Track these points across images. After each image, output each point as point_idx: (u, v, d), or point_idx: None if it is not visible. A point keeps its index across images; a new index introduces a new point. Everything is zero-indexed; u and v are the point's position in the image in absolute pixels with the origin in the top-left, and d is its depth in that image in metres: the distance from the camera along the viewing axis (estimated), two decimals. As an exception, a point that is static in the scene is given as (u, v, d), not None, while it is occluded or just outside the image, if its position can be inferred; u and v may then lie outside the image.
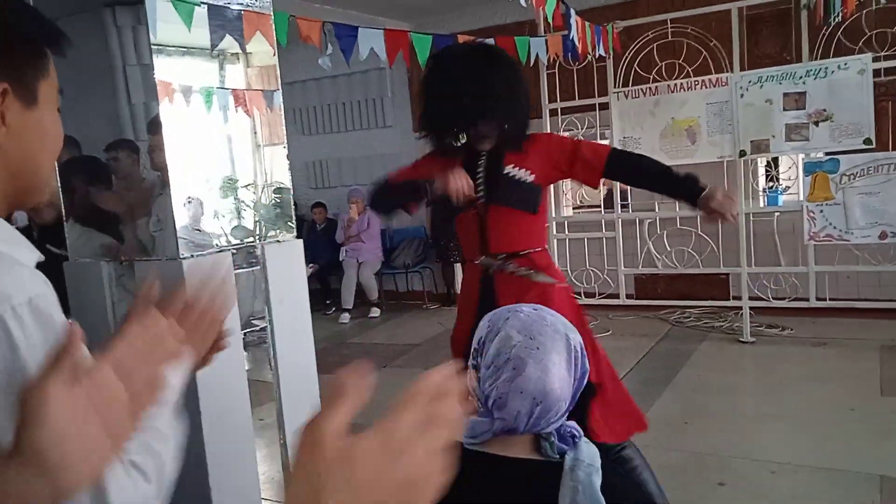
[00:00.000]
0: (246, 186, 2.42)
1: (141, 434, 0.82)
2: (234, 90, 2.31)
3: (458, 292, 2.69)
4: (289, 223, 2.48)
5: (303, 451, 0.49)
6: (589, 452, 1.15)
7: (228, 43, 2.27)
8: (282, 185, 2.52)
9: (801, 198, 5.04)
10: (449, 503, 1.16)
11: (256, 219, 2.40)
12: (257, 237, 2.37)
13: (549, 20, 3.86)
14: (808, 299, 5.24)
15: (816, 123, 4.80)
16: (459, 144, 2.54)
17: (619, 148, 2.49)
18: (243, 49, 2.32)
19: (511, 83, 2.41)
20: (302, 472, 0.49)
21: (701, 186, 2.37)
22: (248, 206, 2.39)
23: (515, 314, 1.19)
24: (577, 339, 1.19)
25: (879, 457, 3.18)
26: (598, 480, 1.10)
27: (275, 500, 2.41)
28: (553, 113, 5.83)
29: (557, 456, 1.15)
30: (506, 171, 2.44)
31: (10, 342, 0.78)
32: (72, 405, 0.64)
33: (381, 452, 0.50)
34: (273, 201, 2.50)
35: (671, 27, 5.46)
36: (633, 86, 5.52)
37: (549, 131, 5.75)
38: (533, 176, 2.44)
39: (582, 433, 1.19)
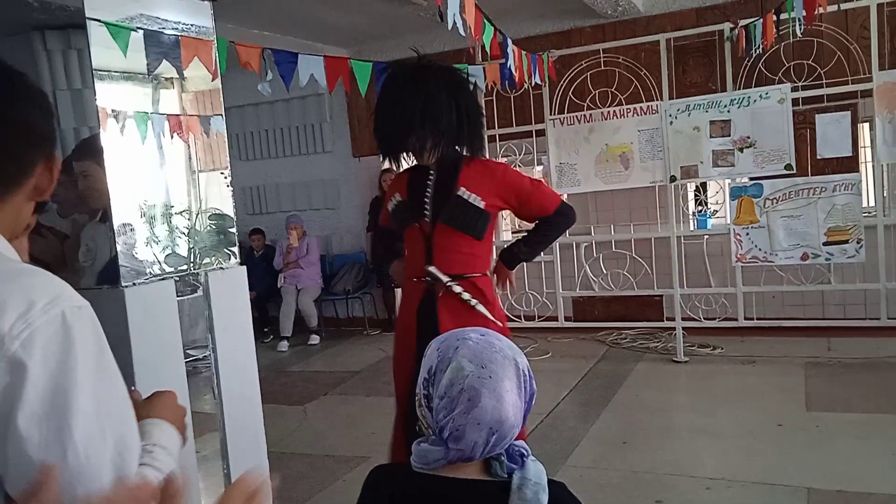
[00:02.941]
0: (181, 213, 2.37)
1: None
2: (169, 116, 2.28)
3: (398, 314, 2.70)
4: (227, 250, 2.45)
5: None
6: (536, 470, 1.16)
7: (164, 68, 2.25)
8: (219, 212, 2.48)
9: (728, 221, 5.24)
10: None
11: (191, 246, 2.36)
12: (192, 265, 2.32)
13: (487, 49, 3.94)
14: (737, 319, 5.43)
15: (741, 150, 5.02)
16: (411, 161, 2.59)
17: (567, 204, 2.63)
18: (181, 74, 2.30)
19: (448, 97, 2.44)
20: None
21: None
22: (182, 233, 2.35)
23: (464, 342, 1.18)
24: (524, 362, 1.21)
25: (806, 470, 3.31)
26: (545, 498, 1.12)
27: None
28: (491, 139, 5.93)
29: (506, 475, 1.16)
30: (458, 193, 2.44)
31: (67, 338, 0.80)
32: None
33: None
34: (208, 228, 2.46)
35: (603, 56, 5.65)
36: (568, 113, 5.67)
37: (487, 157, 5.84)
38: (484, 202, 2.45)
39: (529, 451, 1.21)
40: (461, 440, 1.13)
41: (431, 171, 2.51)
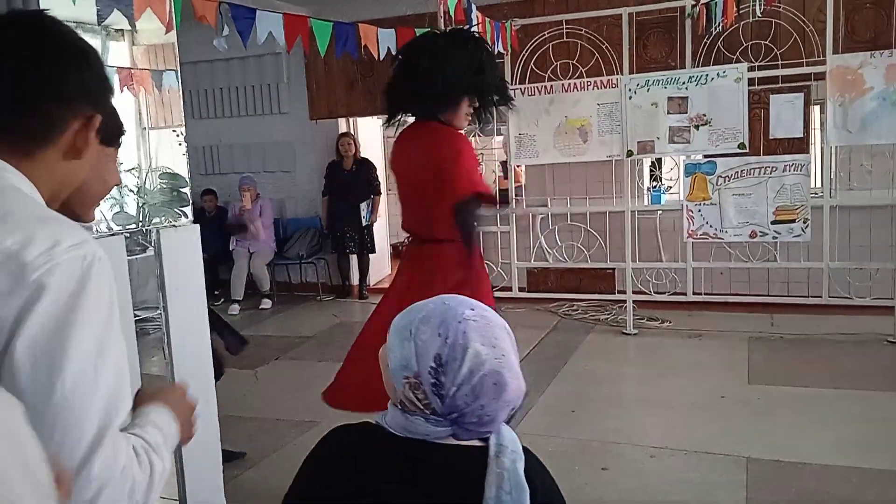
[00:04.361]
0: (130, 171, 2.30)
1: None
2: (118, 68, 2.20)
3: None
4: (179, 209, 2.38)
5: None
6: (511, 437, 1.15)
7: (114, 18, 2.15)
8: (170, 171, 2.41)
9: (682, 197, 5.33)
10: (376, 486, 1.12)
11: (140, 204, 2.29)
12: (140, 224, 2.26)
13: (451, 14, 3.89)
14: (685, 293, 5.55)
15: (697, 127, 5.08)
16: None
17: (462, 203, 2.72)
18: (132, 25, 2.20)
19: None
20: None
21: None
22: (131, 191, 2.28)
23: (466, 323, 1.12)
24: (509, 328, 1.19)
25: (746, 440, 3.42)
26: (521, 467, 1.10)
27: (169, 498, 2.33)
28: (451, 107, 5.87)
29: (477, 441, 1.13)
30: None
31: (83, 279, 0.83)
32: None
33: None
34: (159, 187, 2.39)
35: (566, 28, 5.63)
36: (529, 83, 5.65)
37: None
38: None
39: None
40: (492, 423, 1.11)
41: None
